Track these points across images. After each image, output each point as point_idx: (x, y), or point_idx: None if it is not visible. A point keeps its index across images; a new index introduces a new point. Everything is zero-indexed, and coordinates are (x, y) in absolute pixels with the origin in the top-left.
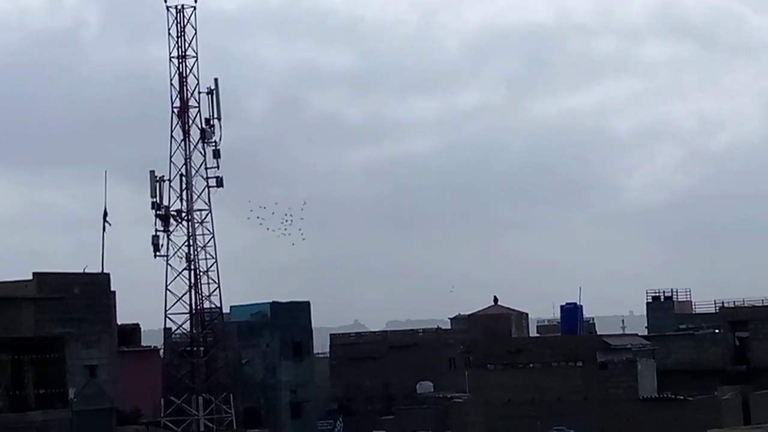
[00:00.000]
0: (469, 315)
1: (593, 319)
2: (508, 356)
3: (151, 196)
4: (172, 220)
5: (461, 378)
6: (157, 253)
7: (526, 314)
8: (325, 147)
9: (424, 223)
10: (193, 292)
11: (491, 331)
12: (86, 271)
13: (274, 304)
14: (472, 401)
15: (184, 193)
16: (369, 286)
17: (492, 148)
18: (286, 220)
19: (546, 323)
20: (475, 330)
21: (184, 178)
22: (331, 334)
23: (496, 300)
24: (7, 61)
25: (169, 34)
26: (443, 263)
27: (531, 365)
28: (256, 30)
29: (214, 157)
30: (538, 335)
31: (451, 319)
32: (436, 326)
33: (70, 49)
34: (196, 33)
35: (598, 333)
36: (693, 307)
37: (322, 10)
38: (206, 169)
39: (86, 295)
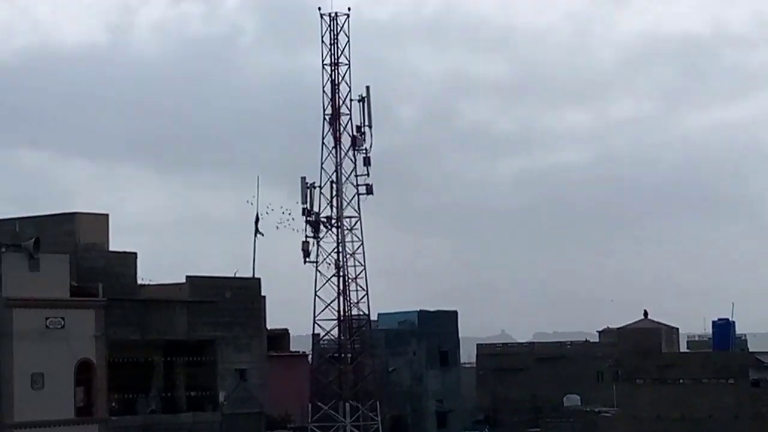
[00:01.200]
0: (618, 328)
1: (746, 335)
2: (658, 371)
3: (302, 203)
4: (322, 227)
5: (609, 392)
6: (307, 260)
7: (677, 329)
8: (476, 156)
9: (573, 234)
10: (341, 298)
11: (641, 346)
12: (238, 275)
13: (422, 313)
14: (620, 416)
15: (334, 200)
16: (516, 297)
17: (644, 160)
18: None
19: (697, 339)
20: (624, 344)
21: (334, 185)
22: (477, 344)
23: (646, 314)
24: (166, 67)
25: (323, 41)
26: (592, 275)
27: (681, 381)
28: (409, 38)
29: (365, 164)
30: (688, 351)
31: (599, 332)
32: (584, 339)
33: (226, 56)
34: (348, 40)
35: (751, 350)
36: None
37: (475, 19)
38: (356, 176)
39: (237, 299)
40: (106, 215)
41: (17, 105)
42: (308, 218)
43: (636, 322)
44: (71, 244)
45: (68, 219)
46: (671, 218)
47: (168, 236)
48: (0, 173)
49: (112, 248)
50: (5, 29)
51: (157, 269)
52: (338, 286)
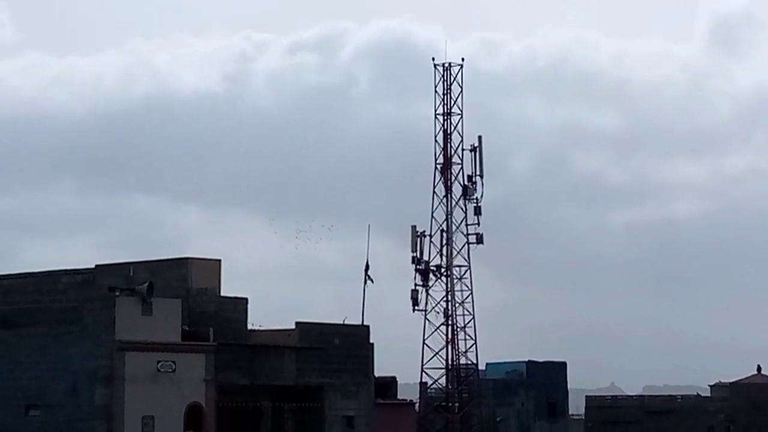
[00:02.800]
0: (731, 383)
1: None
2: None
3: (412, 251)
4: (431, 275)
5: None
6: (416, 308)
7: None
8: (588, 207)
9: (685, 286)
10: (450, 347)
11: (754, 401)
12: (347, 322)
13: (530, 363)
14: None
15: (444, 248)
16: (627, 349)
17: (761, 214)
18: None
19: None
20: (737, 398)
21: (444, 234)
22: (586, 396)
23: (759, 369)
24: (280, 115)
25: (436, 91)
26: (704, 328)
27: None
28: (523, 90)
29: (475, 213)
30: None
31: (711, 386)
32: (695, 393)
33: (340, 106)
34: (462, 91)
35: None
36: None
37: (589, 71)
38: (467, 225)
39: (346, 346)
40: (219, 260)
41: (134, 151)
42: (418, 267)
43: (749, 377)
44: (183, 288)
45: (181, 264)
46: None
47: (278, 283)
48: (116, 218)
49: (224, 293)
50: (126, 77)
51: (267, 315)
52: (447, 335)
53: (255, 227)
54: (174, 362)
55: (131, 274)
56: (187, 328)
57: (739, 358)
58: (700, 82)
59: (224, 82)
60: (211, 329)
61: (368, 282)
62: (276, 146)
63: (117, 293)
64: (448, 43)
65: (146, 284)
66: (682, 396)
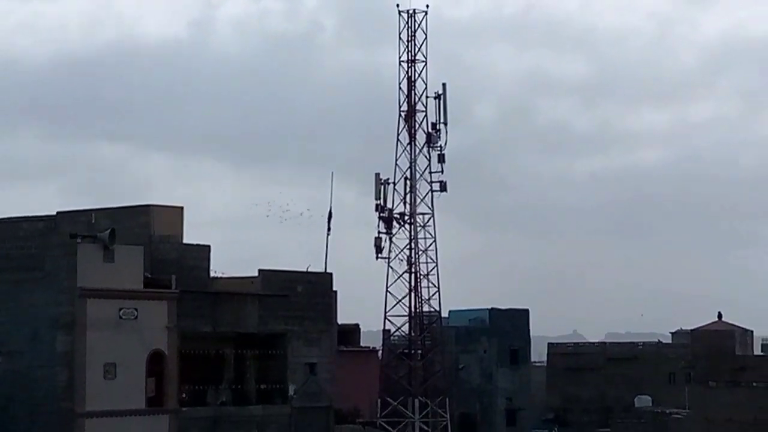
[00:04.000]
0: (692, 330)
1: None
2: (731, 374)
3: (376, 199)
4: (395, 223)
5: (681, 394)
6: (379, 255)
7: (751, 332)
8: (553, 155)
9: (649, 234)
10: (413, 295)
11: (714, 348)
12: (310, 270)
13: (493, 311)
14: (692, 418)
15: (408, 196)
16: (590, 296)
17: (723, 162)
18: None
19: None
20: (697, 346)
21: (408, 182)
22: (549, 343)
23: (720, 316)
24: (246, 62)
25: (400, 38)
26: (667, 276)
27: (755, 384)
28: (489, 37)
29: (439, 161)
30: (762, 354)
31: (672, 333)
32: (656, 340)
33: (306, 53)
34: (426, 38)
35: None
36: None
37: (556, 19)
38: (431, 173)
39: (309, 293)
40: (181, 208)
41: (98, 98)
42: (381, 214)
43: (709, 324)
44: (146, 236)
45: (143, 211)
46: (749, 220)
47: (242, 230)
48: (79, 165)
49: (186, 241)
50: (90, 24)
51: (230, 263)
52: (410, 283)
53: (221, 175)
54: (136, 309)
55: (93, 221)
56: (149, 276)
57: (702, 305)
58: (666, 30)
59: (189, 28)
60: (174, 276)
61: (330, 229)
62: (241, 93)
63: (79, 240)
64: None
65: (108, 231)
66: (644, 343)
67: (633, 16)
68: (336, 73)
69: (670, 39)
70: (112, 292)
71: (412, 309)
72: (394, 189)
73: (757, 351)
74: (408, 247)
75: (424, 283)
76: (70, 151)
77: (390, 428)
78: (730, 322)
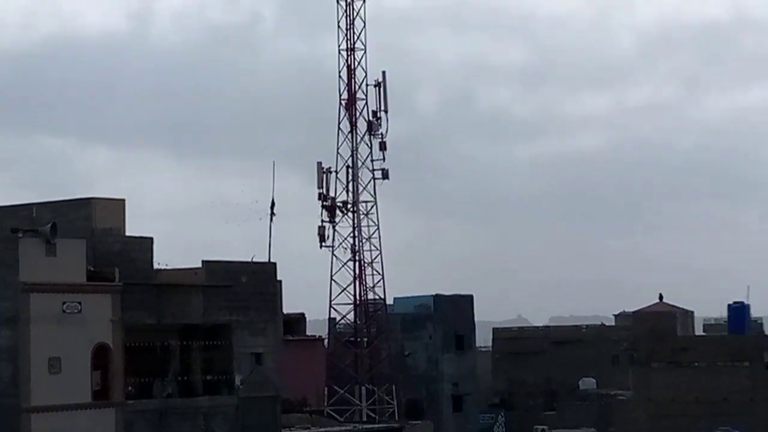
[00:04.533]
0: (634, 312)
1: (762, 318)
2: (673, 355)
3: (318, 187)
4: (338, 211)
5: (625, 375)
6: (323, 244)
7: (692, 312)
8: (493, 141)
9: (590, 218)
10: (357, 283)
11: (656, 329)
12: (254, 260)
13: (438, 297)
14: (636, 399)
15: (350, 184)
16: (532, 281)
17: (662, 145)
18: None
19: (713, 322)
20: (639, 327)
21: (350, 170)
22: (493, 328)
23: (661, 297)
24: (186, 54)
25: (339, 26)
26: (608, 259)
27: (696, 364)
28: (428, 25)
29: (381, 149)
30: (704, 334)
31: (616, 315)
32: (599, 322)
33: (246, 43)
34: (365, 26)
35: (767, 333)
36: None
37: (494, 5)
38: (372, 161)
39: (253, 283)
40: (123, 200)
41: (38, 92)
42: (324, 203)
43: (651, 306)
44: (88, 229)
45: (85, 204)
46: (688, 202)
47: (185, 222)
48: (20, 159)
49: (129, 233)
50: (28, 17)
51: (174, 254)
52: (354, 271)
53: (163, 167)
54: (80, 303)
55: (34, 215)
56: (92, 269)
57: (643, 287)
58: (604, 15)
59: (129, 21)
60: (117, 269)
61: (273, 219)
62: (182, 85)
63: (20, 234)
64: None
65: (49, 225)
66: (587, 326)
67: (571, 1)
68: (276, 63)
69: (608, 24)
70: (55, 286)
71: (357, 297)
72: (337, 177)
73: (699, 332)
74: (351, 235)
75: (369, 270)
76: (11, 145)
77: (337, 416)
78: (672, 303)
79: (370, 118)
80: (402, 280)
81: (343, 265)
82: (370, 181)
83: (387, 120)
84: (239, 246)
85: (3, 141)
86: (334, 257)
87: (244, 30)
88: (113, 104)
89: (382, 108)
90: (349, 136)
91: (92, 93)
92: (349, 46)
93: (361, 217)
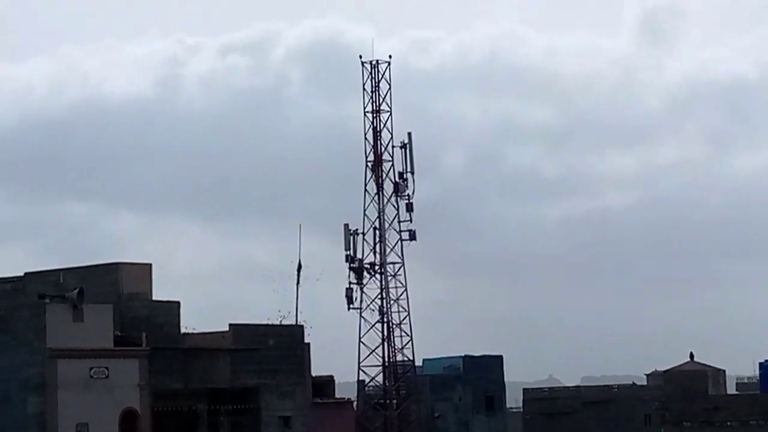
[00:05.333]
0: (665, 371)
1: None
2: (705, 414)
3: (345, 249)
4: (365, 273)
5: None
6: (351, 306)
7: (723, 371)
8: (521, 201)
9: (619, 277)
10: (386, 344)
11: (687, 388)
12: (283, 321)
13: (467, 358)
14: None
15: (378, 246)
16: (563, 341)
17: (690, 203)
18: None
19: (745, 381)
20: (670, 387)
21: (377, 232)
22: (524, 389)
23: (692, 356)
24: (213, 118)
25: (364, 89)
26: (639, 318)
27: (729, 423)
28: (454, 86)
29: (407, 210)
30: (736, 393)
31: (647, 375)
32: (631, 382)
33: (273, 107)
34: (390, 88)
35: None
36: None
37: (520, 66)
38: (399, 222)
39: (281, 346)
40: (149, 265)
41: (66, 158)
42: (352, 265)
43: (682, 364)
44: (115, 294)
45: (112, 269)
46: (718, 260)
47: (213, 285)
48: (48, 226)
49: (157, 297)
50: (56, 84)
51: (202, 318)
52: (382, 332)
53: (189, 230)
54: (107, 368)
55: (61, 281)
56: (120, 334)
57: (675, 345)
58: (630, 75)
59: (156, 86)
60: (144, 334)
61: (301, 281)
62: (209, 149)
63: (47, 300)
64: (380, 42)
65: (76, 290)
66: (618, 386)
67: (597, 62)
68: (303, 125)
69: (633, 83)
70: (82, 352)
71: (386, 359)
72: (364, 239)
73: (732, 390)
74: (379, 296)
75: (397, 332)
76: (39, 212)
77: None
78: (703, 362)
79: (397, 179)
80: (431, 342)
81: (371, 327)
82: (397, 242)
83: (413, 181)
84: (268, 309)
85: (32, 207)
86: (362, 319)
87: (271, 93)
88: (140, 169)
89: (408, 169)
90: (376, 197)
91: (119, 158)
92: (374, 108)
93: (389, 278)
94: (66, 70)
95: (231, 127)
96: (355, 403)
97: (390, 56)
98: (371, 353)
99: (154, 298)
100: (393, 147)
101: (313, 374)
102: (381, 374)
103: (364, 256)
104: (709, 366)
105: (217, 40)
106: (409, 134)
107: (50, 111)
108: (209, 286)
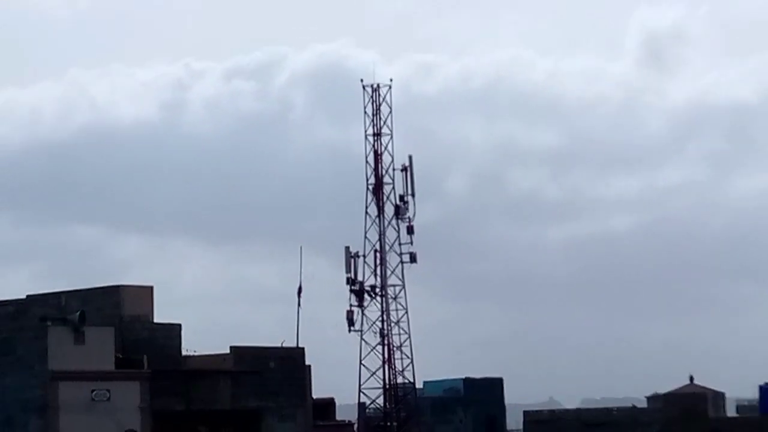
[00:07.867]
0: (665, 394)
1: None
2: None
3: (346, 272)
4: (366, 296)
5: None
6: (352, 328)
7: (723, 394)
8: (524, 224)
9: (621, 299)
10: (386, 367)
11: (687, 411)
12: (283, 344)
13: (468, 380)
14: None
15: (378, 268)
16: (564, 363)
17: (693, 225)
18: None
19: (746, 404)
20: (670, 409)
21: (378, 254)
22: (524, 411)
23: (691, 379)
24: (218, 142)
25: (365, 112)
26: (640, 340)
27: None
28: (458, 110)
29: (408, 233)
30: (736, 415)
31: (648, 397)
32: (631, 404)
33: (277, 131)
34: (391, 111)
35: None
36: None
37: (523, 90)
38: (400, 245)
39: (282, 369)
40: (151, 287)
41: (72, 182)
42: (352, 287)
43: (682, 387)
44: (116, 316)
45: (113, 292)
46: (721, 282)
47: (215, 308)
48: (54, 249)
49: (160, 320)
50: (64, 108)
51: (203, 340)
52: (383, 355)
53: (194, 253)
54: (108, 390)
55: (63, 304)
56: (121, 356)
57: (675, 368)
58: (633, 98)
59: (161, 110)
60: (145, 356)
61: (302, 303)
62: (213, 173)
63: (49, 323)
64: (385, 66)
65: (78, 313)
66: (618, 408)
67: (600, 85)
68: (306, 149)
69: (637, 107)
70: (83, 374)
71: (387, 381)
72: (365, 262)
73: (732, 413)
74: (380, 319)
75: (398, 354)
76: (44, 235)
77: None
78: (703, 385)
79: (398, 202)
80: (431, 364)
81: (372, 349)
82: (398, 265)
83: (414, 204)
84: (269, 331)
85: (37, 231)
86: (363, 341)
87: (275, 118)
88: (146, 192)
89: (409, 192)
90: (377, 220)
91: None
92: (375, 131)
93: (390, 301)
94: (74, 95)
95: (235, 151)
96: (356, 426)
97: (391, 80)
98: (372, 375)
99: (156, 320)
100: (394, 170)
101: (314, 396)
102: (382, 397)
103: (365, 278)
104: (709, 389)
105: (224, 64)
106: (410, 157)
107: (58, 134)
108: (212, 308)
